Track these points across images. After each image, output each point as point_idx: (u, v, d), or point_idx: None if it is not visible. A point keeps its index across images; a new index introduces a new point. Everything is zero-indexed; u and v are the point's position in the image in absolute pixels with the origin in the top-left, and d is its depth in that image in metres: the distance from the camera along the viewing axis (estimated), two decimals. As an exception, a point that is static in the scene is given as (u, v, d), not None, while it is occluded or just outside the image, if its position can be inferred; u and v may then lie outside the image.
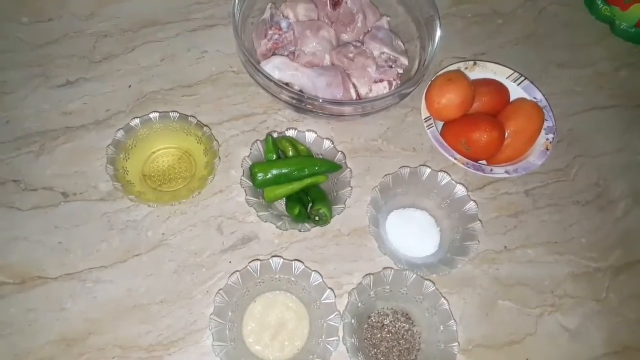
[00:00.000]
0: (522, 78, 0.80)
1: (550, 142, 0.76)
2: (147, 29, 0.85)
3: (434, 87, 0.75)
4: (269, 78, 0.69)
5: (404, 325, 0.67)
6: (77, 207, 0.71)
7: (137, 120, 0.71)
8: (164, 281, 0.68)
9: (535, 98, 0.79)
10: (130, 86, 0.80)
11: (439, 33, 0.75)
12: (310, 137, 0.73)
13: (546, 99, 0.79)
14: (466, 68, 0.80)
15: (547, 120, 0.77)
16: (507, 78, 0.80)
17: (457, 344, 0.62)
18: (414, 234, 0.72)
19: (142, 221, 0.71)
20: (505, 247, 0.75)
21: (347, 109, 0.71)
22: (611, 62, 0.91)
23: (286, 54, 0.78)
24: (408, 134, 0.81)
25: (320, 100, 0.68)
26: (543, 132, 0.76)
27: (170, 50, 0.84)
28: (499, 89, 0.78)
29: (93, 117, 0.77)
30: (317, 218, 0.67)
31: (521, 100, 0.78)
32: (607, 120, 0.87)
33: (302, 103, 0.70)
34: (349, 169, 0.71)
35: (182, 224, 0.71)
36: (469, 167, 0.73)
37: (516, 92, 0.80)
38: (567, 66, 0.90)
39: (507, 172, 0.74)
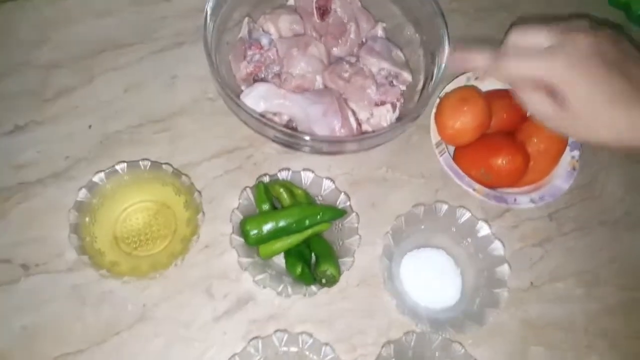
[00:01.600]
0: None
1: (577, 160, 0.65)
2: (106, 54, 0.70)
3: (445, 109, 0.63)
4: (254, 116, 0.56)
5: (431, 390, 0.57)
6: (41, 280, 0.59)
7: (101, 175, 0.58)
8: (151, 361, 0.56)
9: None
10: (90, 126, 0.66)
11: (446, 41, 0.63)
12: (306, 177, 0.61)
13: None
14: (476, 78, 0.68)
15: None
16: None
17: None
18: (432, 280, 0.61)
19: (118, 292, 0.59)
20: (532, 283, 0.65)
21: (349, 146, 0.59)
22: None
23: (270, 76, 0.65)
24: (415, 157, 0.70)
25: (319, 140, 0.56)
26: (567, 148, 0.66)
27: (134, 77, 0.70)
28: (516, 104, 0.66)
29: (50, 168, 0.64)
30: (323, 280, 0.55)
31: None
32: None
33: (295, 144, 0.57)
34: (354, 213, 0.60)
35: (165, 291, 0.59)
36: (489, 199, 0.62)
37: None
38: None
39: (532, 201, 0.63)
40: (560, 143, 0.64)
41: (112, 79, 0.69)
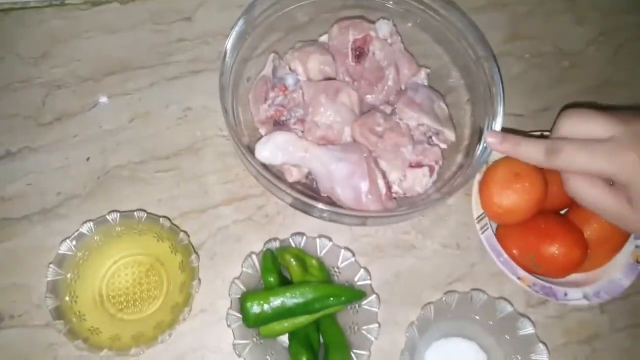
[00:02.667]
0: None
1: None
2: (113, 77, 0.61)
3: (493, 182, 0.52)
4: (266, 177, 0.46)
5: None
6: (14, 335, 0.51)
7: (90, 225, 0.49)
8: None
9: None
10: (88, 158, 0.58)
11: (500, 96, 0.52)
12: (322, 245, 0.51)
13: None
14: None
15: None
16: None
17: None
18: (459, 378, 0.51)
19: (98, 358, 0.50)
20: (573, 385, 0.54)
21: (372, 221, 0.49)
22: None
23: (292, 121, 0.55)
24: (450, 222, 0.59)
25: (337, 213, 0.46)
26: (632, 236, 0.54)
27: (142, 105, 0.61)
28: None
29: (39, 203, 0.55)
30: (331, 378, 0.45)
31: None
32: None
33: (310, 211, 0.48)
34: (375, 295, 0.50)
35: (150, 361, 0.50)
36: (536, 290, 0.52)
37: None
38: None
39: (585, 298, 0.52)
40: (624, 231, 0.52)
41: (118, 105, 0.60)
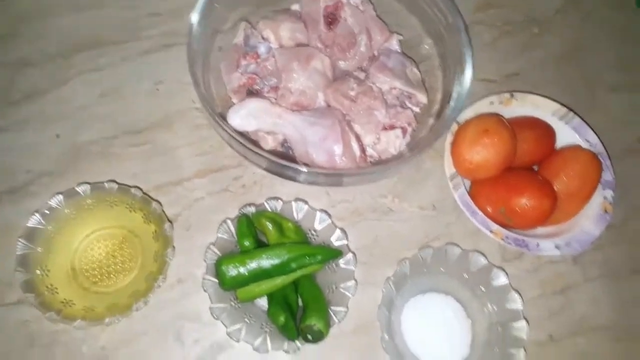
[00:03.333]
0: (572, 114, 0.57)
1: (610, 203, 0.54)
2: (83, 54, 0.60)
3: (464, 140, 0.52)
4: (240, 141, 0.45)
5: None
6: (-14, 313, 0.49)
7: (59, 197, 0.47)
8: (107, 416, 0.46)
9: (587, 141, 0.56)
10: (58, 135, 0.56)
11: (469, 62, 0.51)
12: (298, 208, 0.50)
13: (602, 143, 0.56)
14: (500, 102, 0.57)
15: (604, 171, 0.54)
16: (552, 114, 0.57)
17: None
18: (438, 332, 0.51)
19: (73, 331, 0.48)
20: (551, 336, 0.54)
21: (348, 180, 0.48)
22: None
23: (266, 90, 0.54)
24: (426, 185, 0.59)
25: (313, 173, 0.45)
26: (600, 187, 0.54)
27: (113, 81, 0.59)
28: (545, 133, 0.55)
29: (8, 182, 0.53)
30: (308, 335, 0.45)
31: (572, 149, 0.55)
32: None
33: (286, 175, 0.47)
34: (351, 254, 0.49)
35: (127, 332, 0.49)
36: (508, 242, 0.51)
37: (563, 131, 0.57)
38: (619, 88, 0.66)
39: (557, 248, 0.52)
40: (592, 182, 0.53)
41: (89, 81, 0.59)
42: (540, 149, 0.54)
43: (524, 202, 0.50)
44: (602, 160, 0.54)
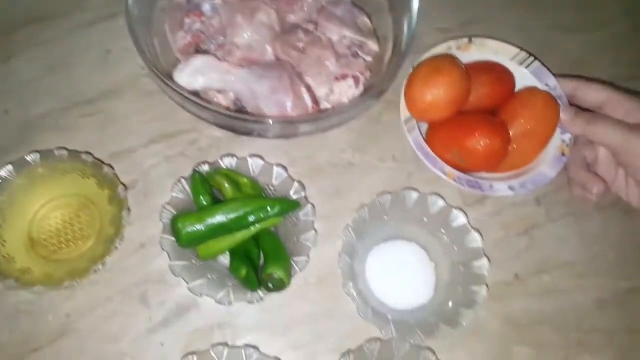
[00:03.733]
0: (531, 58, 0.57)
1: (567, 145, 0.54)
2: (27, 29, 0.59)
3: (416, 80, 0.52)
4: (183, 95, 0.45)
5: (399, 405, 0.48)
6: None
7: (9, 168, 0.47)
8: (76, 382, 0.47)
9: (547, 85, 0.56)
10: (7, 111, 0.55)
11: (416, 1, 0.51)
12: (254, 164, 0.50)
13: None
14: (458, 47, 0.57)
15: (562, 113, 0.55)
16: (511, 59, 0.57)
17: None
18: (402, 277, 0.51)
19: (37, 301, 0.49)
20: (516, 275, 0.55)
21: (302, 127, 0.48)
22: (629, 19, 0.68)
23: (213, 48, 0.53)
24: (385, 138, 0.59)
25: (262, 122, 0.45)
26: (557, 130, 0.55)
27: (60, 54, 0.58)
28: (502, 76, 0.55)
29: (-42, 160, 0.53)
30: (270, 284, 0.45)
31: (530, 91, 0.55)
32: (627, 95, 0.65)
33: (238, 128, 0.47)
34: (310, 205, 0.49)
35: (92, 299, 0.49)
36: (461, 184, 0.52)
37: (522, 76, 0.57)
38: (573, 30, 0.67)
39: (511, 189, 0.53)
40: (550, 124, 0.53)
41: (35, 56, 0.58)
42: (497, 92, 0.54)
43: (474, 141, 0.50)
44: (560, 103, 0.55)
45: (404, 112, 0.54)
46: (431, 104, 0.51)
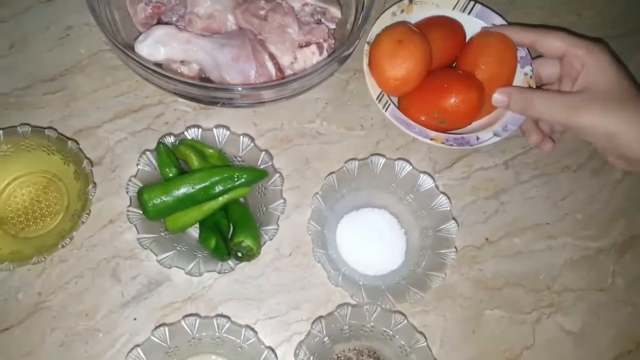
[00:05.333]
0: (472, 3, 0.58)
1: (531, 77, 0.56)
2: (-18, 6, 0.59)
3: (381, 57, 0.52)
4: (145, 65, 0.45)
5: (372, 367, 0.49)
6: None
7: (-29, 145, 0.47)
8: (49, 359, 0.47)
9: (494, 25, 0.58)
10: (-33, 90, 0.55)
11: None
12: (220, 134, 0.51)
13: (507, 22, 0.58)
14: (402, 11, 0.57)
15: (517, 49, 0.56)
16: (453, 9, 0.58)
17: (441, 390, 0.45)
18: (373, 243, 0.53)
19: (7, 280, 0.49)
20: (487, 239, 0.57)
21: (267, 94, 0.49)
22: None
23: (174, 19, 0.54)
24: (352, 107, 0.60)
25: (225, 90, 0.46)
26: (518, 66, 0.56)
27: (20, 31, 0.58)
28: (453, 29, 0.56)
29: None
30: (239, 253, 0.46)
31: (482, 36, 0.56)
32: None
33: (202, 98, 0.47)
34: (278, 174, 0.50)
35: (62, 276, 0.50)
36: (451, 144, 0.53)
37: (470, 24, 0.58)
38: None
39: (496, 135, 0.54)
40: (510, 63, 0.54)
41: (-7, 34, 0.58)
42: (451, 44, 0.56)
43: (453, 100, 0.51)
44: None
45: (374, 89, 0.55)
46: (404, 79, 0.52)
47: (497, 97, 0.53)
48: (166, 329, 0.44)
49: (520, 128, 0.56)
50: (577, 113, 0.48)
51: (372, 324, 0.47)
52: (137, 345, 0.43)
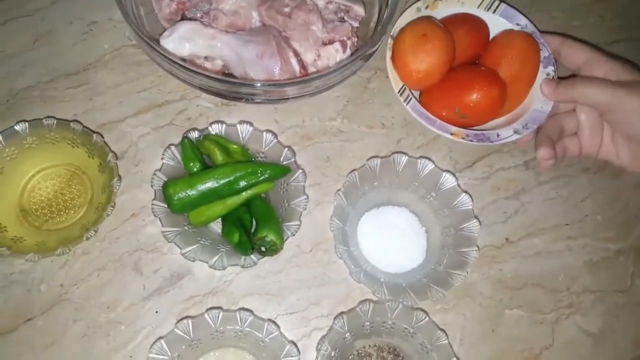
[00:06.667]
0: (497, 2, 0.59)
1: (553, 77, 0.56)
2: (10, 1, 0.59)
3: (405, 51, 0.53)
4: (171, 59, 0.46)
5: (392, 364, 0.50)
6: (-64, 263, 0.50)
7: (-3, 137, 0.48)
8: (71, 350, 0.48)
9: (518, 24, 0.58)
10: (-8, 83, 0.56)
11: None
12: (243, 130, 0.52)
13: (531, 22, 0.59)
14: (427, 7, 0.58)
15: (541, 49, 0.57)
16: (478, 7, 0.59)
17: (462, 388, 0.46)
18: (394, 242, 0.53)
19: (30, 272, 0.50)
20: (507, 239, 0.57)
21: (290, 90, 0.50)
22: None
23: (199, 15, 0.55)
24: (373, 105, 0.61)
25: (250, 85, 0.47)
26: (540, 66, 0.56)
27: (45, 25, 0.59)
28: (477, 26, 0.57)
29: (-55, 133, 0.54)
30: (263, 248, 0.47)
31: (506, 34, 0.57)
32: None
33: (227, 93, 0.48)
34: (300, 171, 0.51)
35: (85, 268, 0.51)
36: (470, 140, 0.54)
37: (494, 22, 0.59)
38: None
39: (516, 132, 0.55)
40: (533, 62, 0.55)
41: (19, 28, 0.59)
42: (475, 42, 0.56)
43: (475, 96, 0.52)
44: (536, 39, 0.57)
45: (397, 83, 0.56)
46: (427, 73, 0.53)
47: (544, 88, 0.54)
48: (189, 321, 0.44)
49: (536, 139, 0.56)
50: (624, 94, 0.49)
51: (393, 320, 0.48)
52: (161, 338, 0.44)
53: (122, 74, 0.58)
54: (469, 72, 0.54)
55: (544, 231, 0.58)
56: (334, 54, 0.54)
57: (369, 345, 0.50)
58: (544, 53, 0.56)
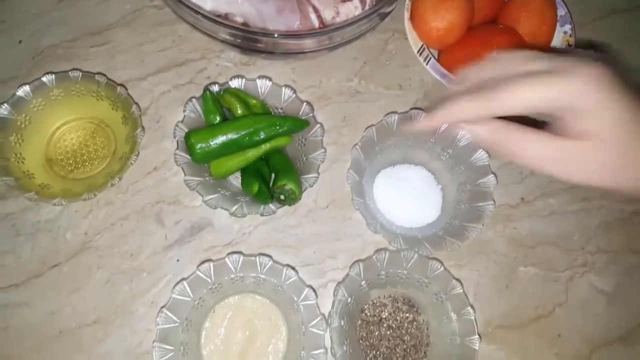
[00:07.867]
0: None
1: (570, 35, 0.57)
2: (34, -39, 0.62)
3: (425, 9, 0.55)
4: (197, 10, 0.48)
5: (407, 315, 0.51)
6: (-32, 211, 0.52)
7: (26, 88, 0.50)
8: (95, 295, 0.50)
9: None
10: (20, 41, 0.58)
11: None
12: (263, 85, 0.53)
13: None
14: None
15: (557, 8, 0.57)
16: None
17: (476, 336, 0.47)
18: (409, 198, 0.55)
19: (56, 220, 0.52)
20: (522, 198, 0.58)
21: (309, 42, 0.51)
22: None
23: (220, -25, 0.56)
24: (391, 66, 0.62)
25: (274, 35, 0.48)
26: (557, 24, 0.57)
27: (68, -15, 0.61)
28: None
29: (-26, 88, 0.56)
30: (282, 196, 0.49)
31: None
32: (629, 26, 0.67)
33: (246, 41, 0.50)
34: (318, 125, 0.52)
35: (109, 218, 0.53)
36: None
37: None
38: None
39: None
40: (550, 19, 0.56)
41: (43, -12, 0.61)
42: (493, 0, 0.57)
43: (497, 50, 0.53)
44: None
45: (416, 43, 0.57)
46: (447, 30, 0.54)
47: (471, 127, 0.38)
48: (211, 264, 0.46)
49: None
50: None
51: (408, 270, 0.49)
52: (184, 279, 0.46)
53: (144, 33, 0.60)
54: (488, 30, 0.55)
55: (560, 192, 0.59)
56: (353, 11, 0.55)
57: (384, 296, 0.52)
58: (561, 12, 0.57)
